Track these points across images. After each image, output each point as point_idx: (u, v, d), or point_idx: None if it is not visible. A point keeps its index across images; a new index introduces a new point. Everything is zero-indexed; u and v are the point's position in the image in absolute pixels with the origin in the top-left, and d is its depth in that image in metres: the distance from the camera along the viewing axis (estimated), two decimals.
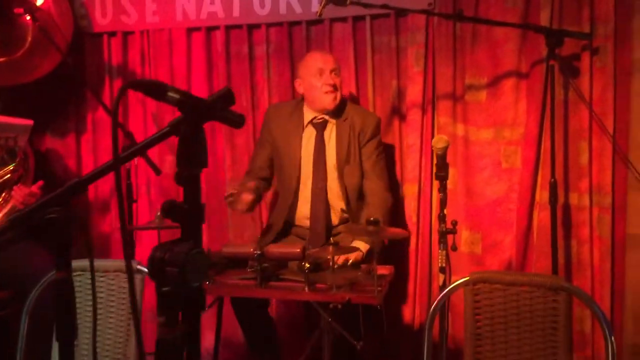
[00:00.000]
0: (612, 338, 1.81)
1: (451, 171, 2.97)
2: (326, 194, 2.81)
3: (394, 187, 3.06)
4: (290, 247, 2.46)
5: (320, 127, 2.85)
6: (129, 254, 0.85)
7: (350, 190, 2.82)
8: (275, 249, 2.44)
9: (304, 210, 2.85)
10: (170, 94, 0.84)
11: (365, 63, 3.15)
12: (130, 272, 0.84)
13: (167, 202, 0.87)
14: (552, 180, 2.70)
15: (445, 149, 2.20)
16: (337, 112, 2.85)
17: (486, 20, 2.81)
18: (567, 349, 1.87)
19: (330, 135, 2.85)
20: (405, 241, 3.10)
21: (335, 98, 2.80)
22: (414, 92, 3.06)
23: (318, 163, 2.82)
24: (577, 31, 2.74)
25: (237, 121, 0.94)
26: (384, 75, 3.16)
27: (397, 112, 3.14)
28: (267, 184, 2.99)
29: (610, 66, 2.76)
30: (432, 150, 2.95)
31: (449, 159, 2.78)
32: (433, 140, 2.22)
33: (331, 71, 2.79)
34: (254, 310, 2.74)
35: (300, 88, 2.88)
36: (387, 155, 3.15)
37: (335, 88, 2.78)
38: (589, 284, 2.79)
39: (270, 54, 3.28)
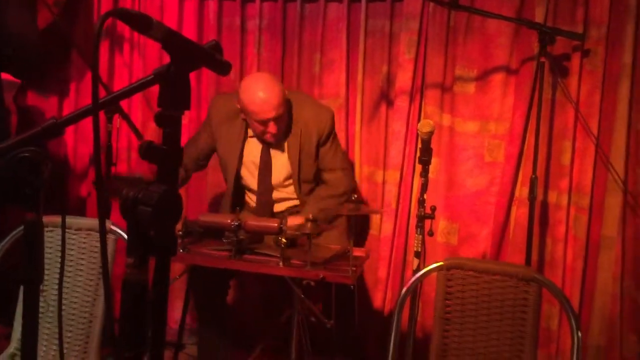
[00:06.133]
0: (579, 333, 1.83)
1: (434, 161, 2.97)
2: (272, 204, 2.77)
3: (374, 172, 3.07)
4: (268, 221, 2.44)
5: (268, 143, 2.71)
6: (103, 199, 0.82)
7: (304, 192, 2.77)
8: (253, 222, 2.43)
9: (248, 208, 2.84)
10: (156, 28, 0.81)
11: (357, 46, 3.14)
12: (102, 219, 0.82)
13: (144, 142, 0.85)
14: (533, 176, 2.71)
15: (431, 133, 2.19)
16: (286, 122, 2.68)
17: (480, 11, 2.79)
18: (534, 340, 1.89)
19: (282, 145, 2.72)
20: (381, 226, 3.11)
21: (275, 138, 2.63)
22: (404, 79, 3.05)
23: (263, 181, 2.74)
24: (571, 31, 2.74)
25: (223, 67, 0.92)
26: (375, 60, 3.14)
27: (385, 97, 3.13)
28: (188, 176, 2.85)
29: (600, 69, 2.77)
30: (416, 139, 2.96)
31: (433, 148, 2.80)
32: (419, 124, 2.22)
33: (274, 119, 2.54)
34: (212, 294, 2.72)
35: (240, 109, 2.64)
36: (373, 140, 3.16)
37: (276, 136, 2.61)
38: (560, 282, 2.82)
39: (263, 28, 3.25)
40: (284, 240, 2.29)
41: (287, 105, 2.62)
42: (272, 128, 2.57)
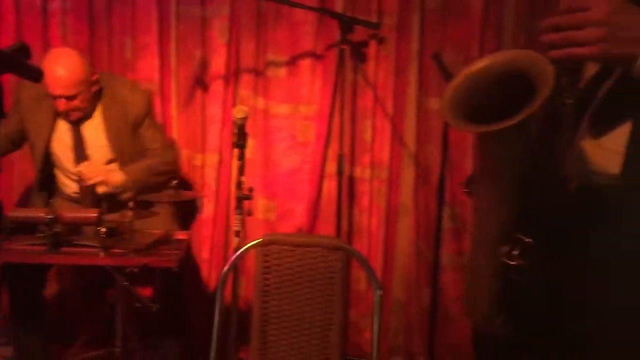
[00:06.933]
0: (379, 291, 2.09)
1: (251, 142, 3.13)
2: (94, 185, 2.69)
3: (192, 155, 3.13)
4: (85, 212, 2.41)
5: (77, 122, 2.69)
6: None
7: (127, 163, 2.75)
8: (69, 214, 2.38)
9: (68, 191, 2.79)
10: None
11: (169, 32, 3.14)
12: None
13: None
14: (340, 154, 2.98)
15: (245, 119, 2.32)
16: (101, 95, 2.70)
17: (284, 1, 2.95)
18: (343, 302, 2.12)
19: (98, 123, 2.71)
20: (201, 208, 3.20)
21: (69, 117, 2.63)
22: (218, 63, 3.14)
23: (79, 162, 2.68)
24: (367, 20, 3.02)
25: (34, 75, 0.94)
26: (188, 45, 3.18)
27: (200, 82, 3.20)
28: None
29: (393, 55, 3.09)
30: (233, 121, 3.07)
31: (249, 130, 2.95)
32: (234, 111, 2.33)
33: (65, 98, 2.54)
34: (26, 290, 2.64)
35: None
36: (190, 124, 3.20)
37: (67, 114, 2.61)
38: (367, 247, 3.15)
39: (67, 10, 3.11)
40: (103, 229, 2.28)
41: (86, 87, 2.59)
42: (60, 105, 2.54)
